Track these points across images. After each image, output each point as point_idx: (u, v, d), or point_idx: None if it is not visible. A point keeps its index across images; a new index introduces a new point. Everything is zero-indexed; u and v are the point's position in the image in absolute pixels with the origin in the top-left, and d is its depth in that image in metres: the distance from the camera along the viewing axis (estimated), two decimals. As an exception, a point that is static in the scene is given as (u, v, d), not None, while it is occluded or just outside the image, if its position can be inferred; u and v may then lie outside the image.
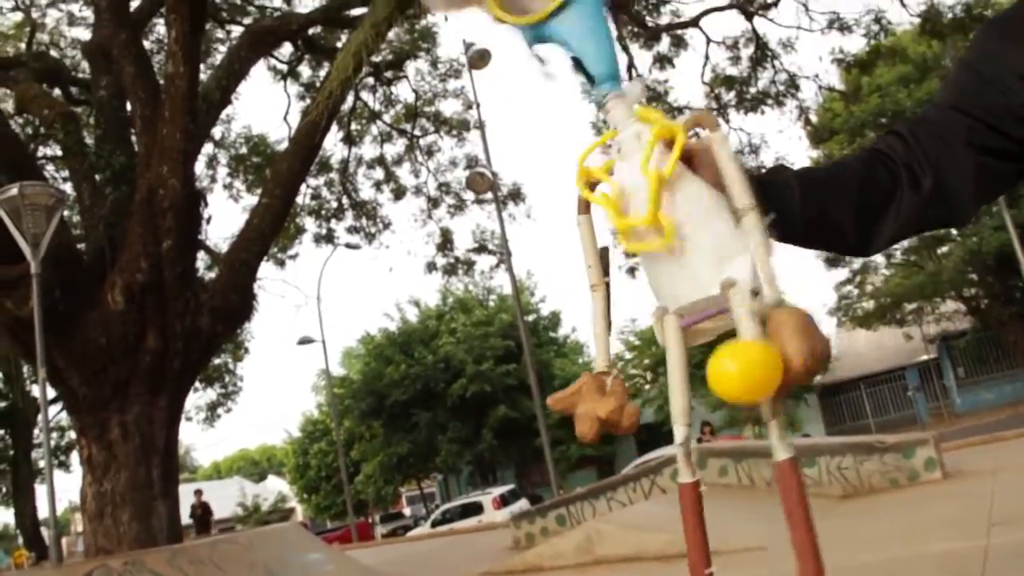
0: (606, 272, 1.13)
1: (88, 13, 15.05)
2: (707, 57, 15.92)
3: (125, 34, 11.31)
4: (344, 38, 12.92)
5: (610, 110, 1.08)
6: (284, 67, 15.42)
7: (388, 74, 15.43)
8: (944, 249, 30.52)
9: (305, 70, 15.80)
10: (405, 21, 12.27)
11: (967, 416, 30.14)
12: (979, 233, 27.33)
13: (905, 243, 32.78)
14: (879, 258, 33.80)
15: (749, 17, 15.63)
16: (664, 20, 15.64)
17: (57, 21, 16.13)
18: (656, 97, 15.65)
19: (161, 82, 11.09)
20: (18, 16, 16.00)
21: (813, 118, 17.82)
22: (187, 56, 10.27)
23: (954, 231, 30.81)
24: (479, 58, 15.38)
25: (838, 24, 15.20)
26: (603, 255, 1.15)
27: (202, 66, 11.67)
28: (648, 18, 15.52)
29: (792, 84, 16.27)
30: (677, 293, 1.04)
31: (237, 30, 14.80)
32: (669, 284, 1.05)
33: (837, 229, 1.21)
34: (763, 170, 1.29)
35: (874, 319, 33.04)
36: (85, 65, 14.26)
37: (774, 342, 0.94)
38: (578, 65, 1.09)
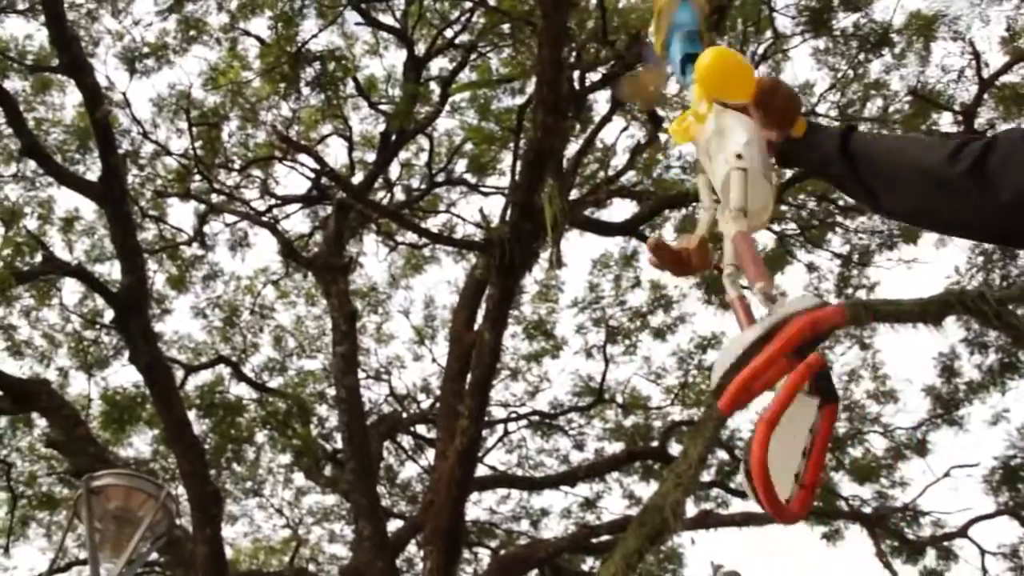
0: (717, 201, 1.40)
1: (348, 531, 15.96)
2: (984, 570, 14.52)
3: (382, 562, 11.66)
4: (591, 562, 12.85)
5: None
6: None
7: (639, 600, 14.99)
8: None
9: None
10: (653, 547, 12.13)
11: None
12: None
13: None
14: None
15: (1024, 523, 14.39)
16: (926, 532, 14.69)
17: (319, 538, 17.16)
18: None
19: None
20: (286, 532, 17.24)
21: None
22: (440, 592, 10.32)
23: None
24: (728, 582, 14.74)
25: None
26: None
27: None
28: (908, 531, 14.64)
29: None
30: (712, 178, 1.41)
31: (484, 552, 15.12)
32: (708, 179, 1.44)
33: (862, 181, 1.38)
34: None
35: None
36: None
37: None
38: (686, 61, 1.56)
